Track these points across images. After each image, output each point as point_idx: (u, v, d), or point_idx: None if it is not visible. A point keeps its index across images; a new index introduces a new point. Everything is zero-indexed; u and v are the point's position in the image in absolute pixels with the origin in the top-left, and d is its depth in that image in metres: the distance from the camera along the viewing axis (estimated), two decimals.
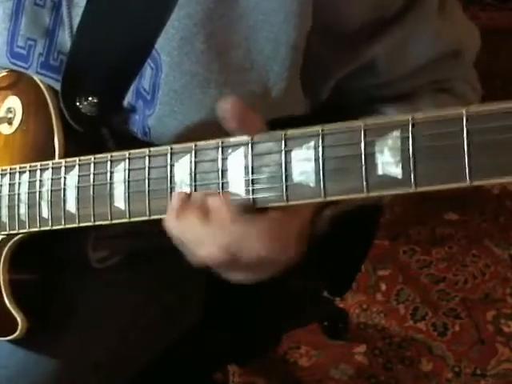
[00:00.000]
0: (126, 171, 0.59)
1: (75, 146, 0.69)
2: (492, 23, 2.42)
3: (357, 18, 0.65)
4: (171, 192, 0.56)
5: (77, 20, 0.67)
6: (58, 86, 0.69)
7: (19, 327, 0.72)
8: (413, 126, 0.43)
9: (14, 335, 0.73)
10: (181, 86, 0.64)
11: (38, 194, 0.67)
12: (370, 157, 0.44)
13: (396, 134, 0.43)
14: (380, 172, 0.44)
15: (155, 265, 0.86)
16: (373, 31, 0.67)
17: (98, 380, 0.80)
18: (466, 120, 0.41)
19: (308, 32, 0.64)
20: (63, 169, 0.64)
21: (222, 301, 0.91)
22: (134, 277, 0.85)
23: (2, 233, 0.71)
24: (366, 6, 0.65)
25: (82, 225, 0.63)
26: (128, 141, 0.67)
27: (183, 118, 0.65)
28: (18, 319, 0.72)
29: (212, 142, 0.54)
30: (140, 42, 0.66)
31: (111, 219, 0.60)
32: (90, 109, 0.67)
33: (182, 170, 0.55)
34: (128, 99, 0.67)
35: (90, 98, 0.67)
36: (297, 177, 0.48)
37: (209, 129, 0.63)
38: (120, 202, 0.60)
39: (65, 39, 0.69)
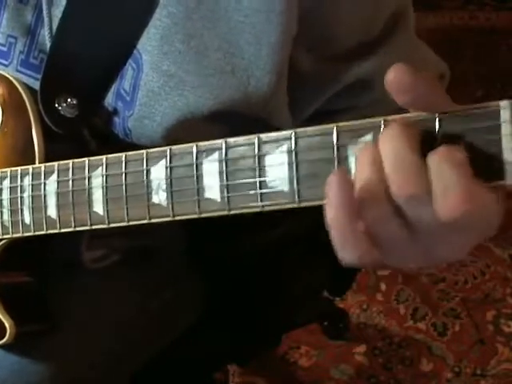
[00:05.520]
0: (104, 176, 0.58)
1: (56, 148, 0.67)
2: (490, 23, 2.40)
3: (345, 37, 0.65)
4: (148, 198, 0.55)
5: (57, 20, 0.66)
6: (37, 85, 0.68)
7: (7, 333, 0.72)
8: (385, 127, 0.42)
9: (3, 341, 0.72)
10: (158, 87, 0.63)
11: (19, 199, 0.66)
12: (343, 161, 0.43)
13: (368, 137, 0.42)
14: (353, 177, 0.43)
15: (153, 263, 0.86)
16: (359, 53, 0.66)
17: (96, 379, 0.80)
18: (439, 121, 0.40)
19: (294, 42, 0.62)
20: (43, 174, 0.63)
21: (222, 300, 0.91)
22: (132, 275, 0.84)
23: None
24: (355, 26, 0.64)
25: (63, 230, 0.62)
26: (111, 142, 0.66)
27: (161, 120, 0.64)
28: (7, 325, 0.71)
29: (186, 146, 0.53)
30: (121, 44, 0.64)
31: (91, 225, 0.59)
32: (69, 110, 0.66)
33: (158, 175, 0.54)
34: (108, 100, 0.66)
35: (69, 100, 0.66)
36: (270, 182, 0.47)
37: (188, 131, 0.62)
38: (98, 208, 0.59)
39: (46, 38, 0.68)
